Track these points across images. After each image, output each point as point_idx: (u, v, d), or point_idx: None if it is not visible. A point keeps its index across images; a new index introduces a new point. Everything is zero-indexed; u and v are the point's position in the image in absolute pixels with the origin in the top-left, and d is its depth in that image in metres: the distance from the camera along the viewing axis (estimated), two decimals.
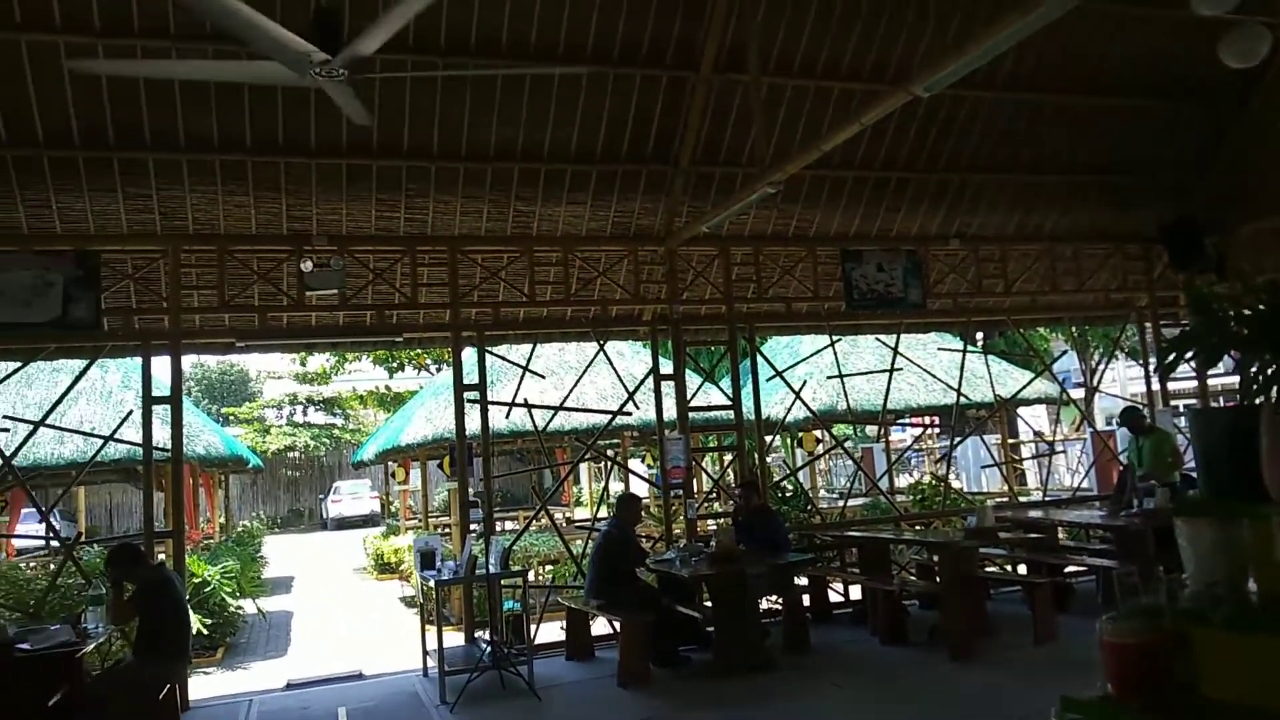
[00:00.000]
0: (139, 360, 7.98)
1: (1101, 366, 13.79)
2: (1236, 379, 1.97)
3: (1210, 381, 11.75)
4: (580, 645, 8.13)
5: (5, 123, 6.90)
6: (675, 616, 7.59)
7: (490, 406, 8.56)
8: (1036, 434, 16.98)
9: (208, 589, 9.95)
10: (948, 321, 11.57)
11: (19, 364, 8.16)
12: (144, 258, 7.89)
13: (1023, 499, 13.12)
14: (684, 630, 7.73)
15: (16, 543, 14.23)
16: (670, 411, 9.13)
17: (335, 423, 33.09)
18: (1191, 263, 9.92)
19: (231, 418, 32.12)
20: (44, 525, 8.12)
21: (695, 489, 10.67)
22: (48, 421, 8.30)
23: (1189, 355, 2.05)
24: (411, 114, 7.62)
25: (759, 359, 10.02)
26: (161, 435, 7.73)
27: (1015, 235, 10.37)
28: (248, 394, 38.37)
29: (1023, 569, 9.32)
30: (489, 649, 7.08)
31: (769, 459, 11.60)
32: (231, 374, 40.90)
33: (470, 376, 8.56)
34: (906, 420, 19.01)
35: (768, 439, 10.74)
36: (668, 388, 9.15)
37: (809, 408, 11.68)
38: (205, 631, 9.54)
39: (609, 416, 9.81)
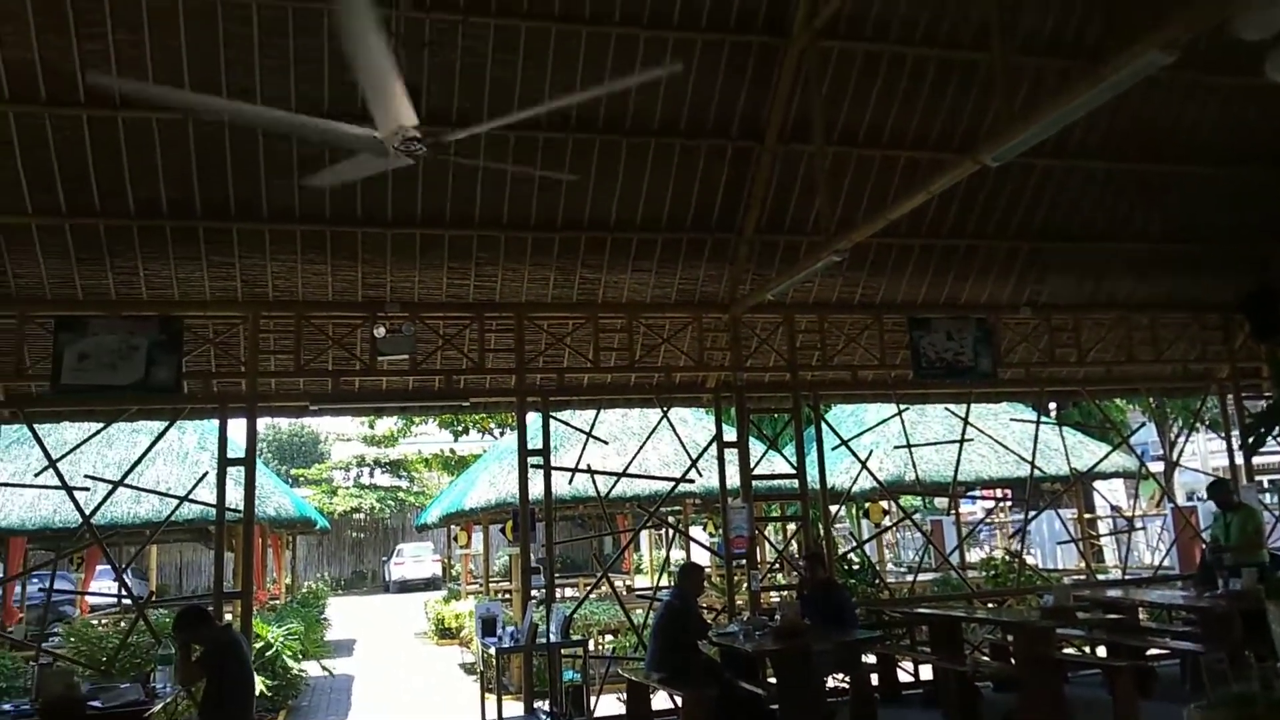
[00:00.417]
0: (215, 422, 8.21)
1: (1181, 439, 13.33)
2: None
3: None
4: (641, 719, 7.98)
5: (100, 195, 7.27)
6: (738, 692, 7.40)
7: (553, 471, 8.59)
8: (1114, 509, 16.37)
9: (269, 652, 10.02)
10: (1020, 391, 11.32)
11: (102, 424, 8.44)
12: (224, 323, 8.17)
13: (1101, 577, 12.64)
14: (747, 707, 7.52)
15: (90, 599, 14.57)
16: (733, 479, 9.06)
17: (400, 485, 33.50)
18: (1274, 333, 9.65)
19: (300, 479, 32.73)
20: (117, 583, 8.28)
21: (758, 560, 10.50)
22: (126, 481, 8.52)
23: (1276, 430, 1.98)
24: (484, 184, 7.84)
25: (824, 427, 9.90)
26: (234, 496, 7.90)
27: (1089, 304, 10.16)
28: (317, 455, 39.08)
29: (1102, 651, 8.93)
30: None
31: (835, 530, 11.37)
32: (302, 435, 41.78)
33: (534, 441, 8.63)
34: (978, 492, 18.51)
35: (833, 509, 10.54)
36: (731, 455, 9.09)
37: (875, 478, 11.45)
38: (268, 694, 9.57)
39: (671, 483, 9.76)
